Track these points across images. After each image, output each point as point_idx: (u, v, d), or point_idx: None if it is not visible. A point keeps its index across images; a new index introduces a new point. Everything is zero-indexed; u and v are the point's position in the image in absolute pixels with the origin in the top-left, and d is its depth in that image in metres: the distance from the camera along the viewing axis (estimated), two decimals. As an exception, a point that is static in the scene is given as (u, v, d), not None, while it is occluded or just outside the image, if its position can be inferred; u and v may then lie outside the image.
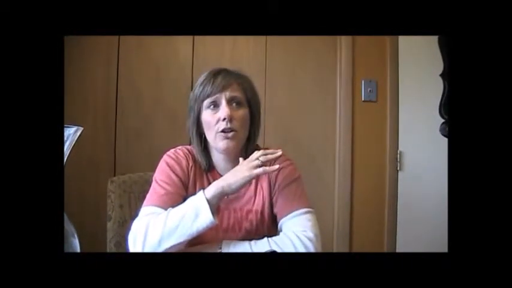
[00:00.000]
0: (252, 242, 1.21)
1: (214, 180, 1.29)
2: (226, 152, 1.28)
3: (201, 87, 1.29)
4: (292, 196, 1.30)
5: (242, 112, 1.28)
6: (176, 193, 1.27)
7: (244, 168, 1.15)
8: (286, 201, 1.29)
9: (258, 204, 1.32)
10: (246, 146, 1.33)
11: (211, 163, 1.35)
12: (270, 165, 1.16)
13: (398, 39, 2.55)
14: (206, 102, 1.28)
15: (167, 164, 1.32)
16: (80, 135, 0.77)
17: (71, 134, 0.75)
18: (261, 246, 1.19)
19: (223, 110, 1.24)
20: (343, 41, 2.50)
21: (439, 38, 2.31)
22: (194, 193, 1.28)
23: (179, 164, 1.32)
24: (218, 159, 1.34)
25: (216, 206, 1.17)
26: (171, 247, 1.14)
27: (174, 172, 1.30)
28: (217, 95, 1.26)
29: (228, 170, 1.27)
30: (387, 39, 2.54)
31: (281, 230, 1.27)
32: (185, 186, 1.31)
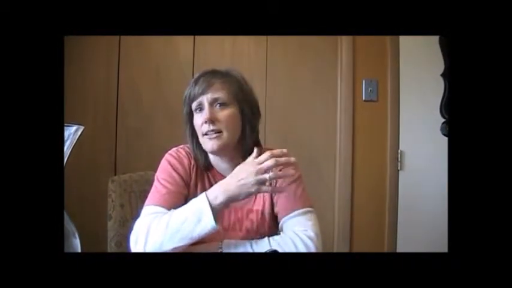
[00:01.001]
0: (253, 242, 1.21)
1: (214, 179, 1.32)
2: (214, 153, 1.29)
3: (188, 91, 1.30)
4: (293, 196, 1.29)
5: (227, 112, 1.27)
6: (178, 192, 1.27)
7: (251, 181, 1.11)
8: (287, 201, 1.29)
9: (258, 204, 1.32)
10: (241, 145, 1.32)
11: (209, 163, 1.35)
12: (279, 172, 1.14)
13: (399, 38, 2.55)
14: (193, 105, 1.29)
15: (169, 162, 1.32)
16: (80, 134, 0.77)
17: (72, 133, 0.75)
18: (262, 245, 1.19)
19: (204, 113, 1.25)
20: (344, 41, 2.50)
21: (440, 37, 2.31)
22: (196, 192, 1.30)
23: (181, 163, 1.32)
24: (215, 159, 1.34)
25: (220, 210, 1.15)
26: (173, 249, 1.14)
27: (176, 171, 1.30)
28: (200, 98, 1.27)
29: (227, 170, 1.28)
30: (388, 38, 2.53)
31: (282, 230, 1.27)
32: (187, 185, 1.31)
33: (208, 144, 1.26)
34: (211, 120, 1.24)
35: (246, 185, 1.12)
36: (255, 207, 1.32)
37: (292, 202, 1.28)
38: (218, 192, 1.14)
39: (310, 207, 1.28)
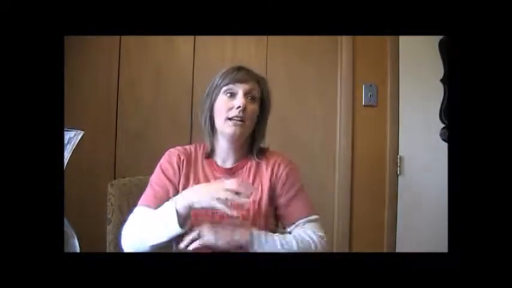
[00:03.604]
0: (281, 236, 1.32)
1: (209, 169, 1.43)
2: (231, 138, 1.38)
3: (223, 76, 1.39)
4: (303, 203, 1.42)
5: (254, 107, 1.39)
6: (165, 193, 1.36)
7: (212, 194, 1.20)
8: (299, 207, 1.41)
9: (255, 195, 1.39)
10: (251, 143, 1.45)
11: (213, 149, 1.44)
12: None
13: (399, 43, 2.55)
14: (224, 89, 1.38)
15: (160, 166, 1.43)
16: (80, 139, 0.77)
17: (71, 137, 0.75)
18: (289, 241, 1.31)
19: (240, 100, 1.35)
20: (344, 45, 2.50)
21: (439, 42, 2.32)
22: (188, 184, 1.39)
23: (171, 163, 1.42)
24: (222, 145, 1.43)
25: (186, 215, 1.23)
26: (154, 246, 1.25)
27: (164, 173, 1.40)
28: (236, 85, 1.37)
29: (228, 159, 1.44)
30: (388, 43, 2.54)
31: (293, 228, 1.39)
32: (177, 183, 1.39)
33: (230, 128, 1.36)
34: (244, 108, 1.34)
35: (208, 196, 1.20)
36: (251, 198, 1.36)
37: (304, 209, 1.41)
38: (184, 199, 1.23)
39: (316, 215, 1.41)
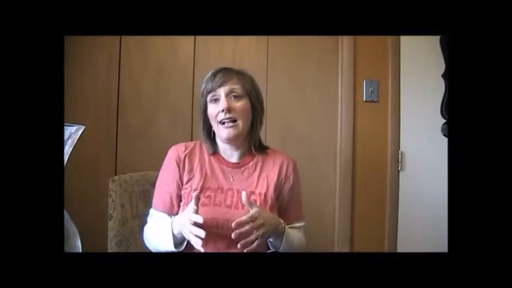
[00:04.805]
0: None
1: (216, 163, 1.48)
2: (229, 140, 1.44)
3: (205, 85, 1.45)
4: (300, 209, 1.56)
5: (241, 103, 1.43)
6: (169, 193, 1.46)
7: (186, 228, 1.26)
8: (296, 211, 1.53)
9: (261, 188, 1.45)
10: (250, 135, 1.49)
11: (217, 149, 1.50)
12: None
13: (400, 39, 2.54)
14: (209, 97, 1.44)
15: (164, 166, 1.51)
16: (81, 134, 0.77)
17: (73, 132, 0.75)
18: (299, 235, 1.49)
19: (222, 103, 1.40)
20: (345, 41, 2.49)
21: (440, 38, 2.31)
22: (194, 175, 1.45)
23: (170, 160, 1.50)
24: (224, 146, 1.49)
25: (181, 238, 1.35)
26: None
27: (165, 172, 1.49)
28: (217, 90, 1.42)
29: (232, 157, 1.49)
30: (389, 39, 2.53)
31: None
32: (178, 177, 1.46)
33: (224, 132, 1.42)
34: (228, 109, 1.39)
35: (184, 227, 1.28)
36: (257, 191, 1.44)
37: (298, 214, 1.54)
38: (175, 225, 1.35)
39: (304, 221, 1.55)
